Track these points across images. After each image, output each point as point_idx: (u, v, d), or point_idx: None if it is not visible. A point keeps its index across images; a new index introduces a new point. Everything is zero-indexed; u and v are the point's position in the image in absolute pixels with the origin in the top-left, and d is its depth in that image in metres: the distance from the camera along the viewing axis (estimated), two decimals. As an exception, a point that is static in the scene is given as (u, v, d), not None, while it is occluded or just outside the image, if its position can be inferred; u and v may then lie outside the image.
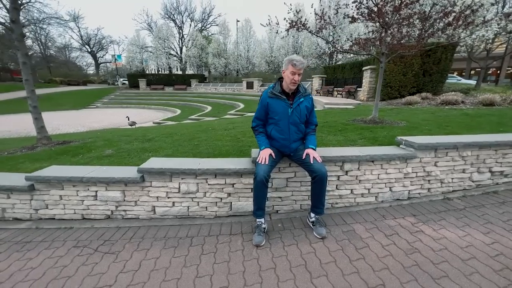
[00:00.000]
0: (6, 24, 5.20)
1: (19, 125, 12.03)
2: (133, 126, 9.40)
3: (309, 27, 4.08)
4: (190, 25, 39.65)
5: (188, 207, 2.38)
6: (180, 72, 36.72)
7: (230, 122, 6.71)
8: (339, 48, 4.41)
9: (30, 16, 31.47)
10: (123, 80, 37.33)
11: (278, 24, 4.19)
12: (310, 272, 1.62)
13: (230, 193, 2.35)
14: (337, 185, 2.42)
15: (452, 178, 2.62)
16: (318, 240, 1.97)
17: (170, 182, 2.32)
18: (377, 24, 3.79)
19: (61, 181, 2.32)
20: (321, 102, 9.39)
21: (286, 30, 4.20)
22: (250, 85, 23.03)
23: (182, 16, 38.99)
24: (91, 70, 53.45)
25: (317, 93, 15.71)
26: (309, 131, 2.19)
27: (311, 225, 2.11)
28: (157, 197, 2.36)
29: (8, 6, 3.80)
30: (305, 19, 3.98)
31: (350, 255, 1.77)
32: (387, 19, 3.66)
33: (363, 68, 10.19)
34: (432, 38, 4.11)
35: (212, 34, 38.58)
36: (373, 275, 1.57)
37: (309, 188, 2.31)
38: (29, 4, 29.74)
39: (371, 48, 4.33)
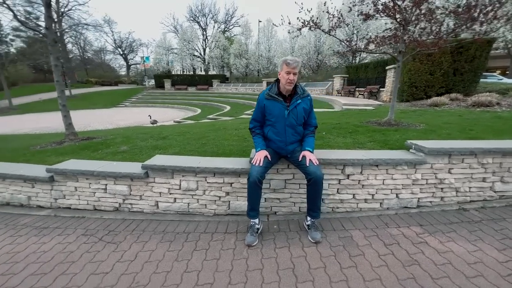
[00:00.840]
0: (40, 30, 5.74)
1: (57, 121, 13.24)
2: (154, 125, 9.88)
3: (321, 25, 3.97)
4: (214, 26, 40.71)
5: (188, 203, 2.46)
6: (203, 73, 37.81)
7: (243, 122, 6.77)
8: (354, 47, 4.22)
9: (71, 22, 34.64)
10: (149, 80, 39.39)
11: (290, 23, 4.14)
12: (297, 276, 1.60)
13: (228, 192, 2.38)
14: (338, 189, 2.34)
15: (470, 187, 2.39)
16: (312, 244, 1.92)
17: (171, 179, 2.41)
18: (395, 20, 3.56)
19: (76, 173, 2.53)
20: (340, 102, 9.10)
21: (298, 30, 4.14)
22: (270, 85, 23.00)
23: (206, 18, 40.15)
24: (122, 71, 57.16)
25: (338, 93, 15.24)
26: (307, 132, 2.15)
27: (307, 229, 2.07)
28: (160, 192, 2.47)
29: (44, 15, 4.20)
30: (317, 18, 3.88)
31: (342, 262, 1.71)
32: (405, 15, 3.43)
33: (387, 67, 9.67)
34: (464, 34, 3.76)
35: (234, 35, 39.19)
36: (363, 285, 1.50)
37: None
38: (70, 11, 32.71)
39: (389, 46, 4.08)
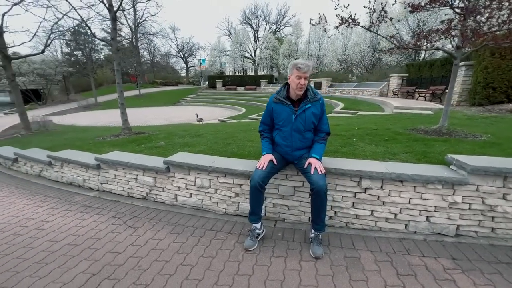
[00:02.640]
0: (107, 40, 6.80)
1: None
2: (200, 123, 10.66)
3: (359, 22, 3.59)
4: (265, 28, 41.36)
5: (202, 200, 2.60)
6: (252, 74, 38.90)
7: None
8: (397, 43, 3.68)
9: (144, 31, 40.29)
10: (204, 81, 42.58)
11: (326, 22, 3.89)
12: (284, 289, 1.52)
13: (237, 193, 2.42)
14: (353, 203, 2.12)
15: (537, 221, 1.85)
16: (311, 259, 1.80)
17: (188, 175, 2.59)
18: (452, 10, 2.96)
19: (115, 163, 2.95)
20: (391, 105, 8.12)
21: (335, 28, 3.86)
22: (318, 86, 22.11)
23: (258, 20, 41.07)
24: (183, 73, 63.35)
25: (394, 94, 13.62)
26: (317, 139, 2.01)
27: (310, 241, 1.95)
28: (179, 187, 2.68)
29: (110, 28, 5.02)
30: (355, 14, 3.53)
31: (338, 285, 1.55)
32: (467, 3, 2.81)
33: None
34: None
35: (284, 36, 39.03)
36: (353, 314, 1.34)
37: (320, 201, 2.13)
38: (144, 21, 37.99)
39: (443, 40, 3.42)
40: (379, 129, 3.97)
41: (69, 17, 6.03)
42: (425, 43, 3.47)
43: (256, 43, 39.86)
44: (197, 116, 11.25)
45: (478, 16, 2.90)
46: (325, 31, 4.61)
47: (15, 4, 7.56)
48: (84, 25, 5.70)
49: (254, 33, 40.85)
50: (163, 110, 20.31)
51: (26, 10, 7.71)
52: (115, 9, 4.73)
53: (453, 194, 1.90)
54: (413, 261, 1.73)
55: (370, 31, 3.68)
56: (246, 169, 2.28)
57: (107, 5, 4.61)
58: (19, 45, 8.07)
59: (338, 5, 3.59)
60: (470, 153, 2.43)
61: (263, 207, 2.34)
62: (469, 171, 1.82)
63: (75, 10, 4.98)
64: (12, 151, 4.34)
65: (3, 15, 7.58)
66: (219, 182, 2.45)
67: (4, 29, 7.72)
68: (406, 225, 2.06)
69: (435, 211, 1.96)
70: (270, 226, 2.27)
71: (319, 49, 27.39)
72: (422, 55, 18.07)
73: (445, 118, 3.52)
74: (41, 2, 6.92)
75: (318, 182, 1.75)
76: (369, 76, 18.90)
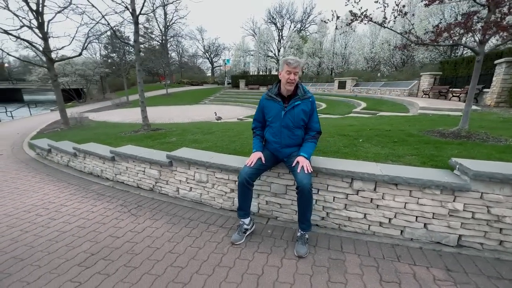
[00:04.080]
0: (129, 43, 7.27)
1: (150, 114, 16.52)
2: (219, 121, 10.93)
3: (371, 17, 3.41)
4: (290, 26, 40.91)
5: (200, 194, 2.71)
6: (276, 73, 38.77)
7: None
8: (414, 39, 3.40)
9: (173, 33, 42.37)
10: (228, 80, 43.44)
11: (338, 18, 3.76)
12: (259, 284, 1.55)
13: (232, 189, 2.48)
14: (346, 205, 2.06)
15: (555, 236, 1.64)
16: (294, 257, 1.79)
17: (188, 170, 2.71)
18: (475, 2, 2.66)
19: (126, 156, 3.19)
20: (417, 105, 7.58)
21: (347, 25, 3.72)
22: (342, 85, 21.35)
23: (283, 19, 40.75)
24: (209, 73, 65.31)
25: (425, 94, 12.64)
26: (308, 137, 1.99)
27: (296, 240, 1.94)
28: (180, 180, 2.82)
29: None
30: (366, 10, 3.35)
31: (316, 285, 1.53)
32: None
33: (496, 62, 7.34)
34: None
35: (309, 34, 38.24)
36: (322, 315, 1.32)
37: (313, 199, 2.11)
38: (174, 24, 39.88)
39: (461, 34, 3.09)
40: (392, 130, 3.75)
41: (101, 23, 6.58)
42: (446, 39, 3.17)
43: (280, 42, 39.64)
44: (215, 115, 11.55)
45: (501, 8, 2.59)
46: (336, 28, 4.44)
47: (58, 12, 8.45)
48: (112, 30, 6.19)
49: (279, 32, 40.67)
50: (187, 108, 21.14)
51: (66, 17, 8.58)
52: (137, 13, 5.08)
53: (453, 201, 1.76)
54: (401, 269, 1.64)
55: (384, 27, 3.48)
56: (240, 165, 2.33)
57: (130, 10, 4.99)
58: (60, 49, 8.90)
59: (348, 0, 3.45)
60: (485, 158, 2.22)
61: (255, 204, 2.40)
62: (471, 176, 1.67)
63: (104, 17, 5.47)
64: (47, 142, 4.89)
65: (48, 22, 8.51)
66: (216, 177, 2.54)
67: (49, 35, 8.66)
68: (401, 231, 1.95)
69: (433, 218, 1.83)
70: (262, 223, 2.29)
71: (345, 47, 26.37)
72: (460, 51, 16.48)
73: (465, 119, 3.21)
74: (77, 11, 7.63)
75: (302, 181, 1.74)
76: (397, 75, 17.76)
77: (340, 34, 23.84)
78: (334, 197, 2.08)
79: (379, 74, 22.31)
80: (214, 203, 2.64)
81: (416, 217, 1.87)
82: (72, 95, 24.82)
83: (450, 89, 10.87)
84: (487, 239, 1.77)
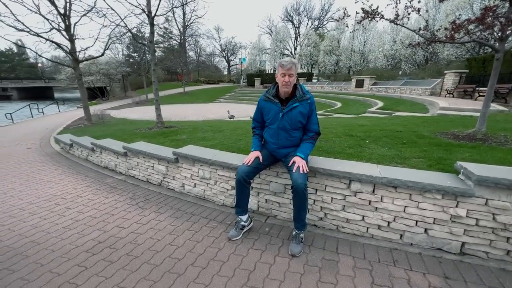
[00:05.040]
0: (145, 43, 7.54)
1: (168, 112, 17.05)
2: (232, 119, 11.07)
3: (383, 14, 3.28)
4: (307, 24, 40.25)
5: (204, 190, 2.80)
6: (291, 71, 38.37)
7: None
8: (428, 36, 3.22)
9: (191, 32, 43.35)
10: (244, 79, 43.66)
11: (349, 16, 3.67)
12: (249, 279, 1.59)
13: (234, 186, 2.53)
14: (344, 206, 2.04)
15: None
16: (287, 256, 1.81)
17: (193, 167, 2.81)
18: None
19: (137, 152, 3.36)
20: (438, 105, 7.19)
21: (358, 22, 3.61)
22: (360, 84, 20.70)
23: (300, 16, 40.17)
24: (225, 72, 66.06)
25: (448, 93, 11.94)
26: (306, 138, 1.99)
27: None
28: (185, 176, 2.92)
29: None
30: (378, 7, 3.23)
31: (306, 284, 1.55)
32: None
33: (529, 58, 6.76)
34: None
35: (326, 32, 37.39)
36: (307, 313, 1.34)
37: (310, 199, 2.13)
38: (192, 23, 40.80)
39: (480, 30, 2.87)
40: (403, 131, 3.61)
41: (121, 26, 6.94)
42: (462, 35, 2.98)
43: (296, 40, 39.15)
44: (228, 113, 11.71)
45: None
46: (347, 26, 4.33)
47: (83, 15, 8.98)
48: (130, 32, 6.51)
49: (295, 30, 40.17)
50: (202, 106, 21.58)
51: (91, 19, 9.09)
52: (152, 15, 5.29)
53: (456, 207, 1.69)
54: (396, 273, 1.61)
55: (396, 23, 3.33)
56: (241, 163, 2.37)
57: (146, 11, 5.20)
58: (85, 49, 9.43)
59: (359, -3, 3.36)
60: (498, 163, 2.08)
61: (255, 201, 2.44)
62: (474, 181, 1.59)
63: (123, 20, 5.77)
64: (69, 138, 5.26)
65: (74, 24, 9.07)
66: (218, 174, 2.61)
67: (75, 37, 9.24)
68: (401, 235, 1.90)
69: (434, 223, 1.77)
70: (261, 220, 2.33)
71: (364, 44, 25.49)
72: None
73: (482, 121, 3.00)
74: (99, 14, 8.06)
75: (296, 180, 1.76)
76: (419, 73, 16.89)
77: (356, 30, 23.03)
78: (332, 198, 2.06)
79: (400, 72, 21.35)
80: (217, 199, 2.72)
81: (416, 221, 1.82)
82: (97, 93, 26.25)
83: (477, 88, 10.17)
84: (493, 248, 1.68)
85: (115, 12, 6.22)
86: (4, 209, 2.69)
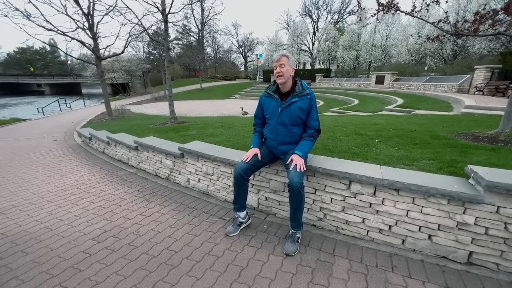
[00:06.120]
0: (159, 40, 7.71)
1: (185, 107, 17.45)
2: (245, 116, 11.10)
3: (399, 6, 3.07)
4: (326, 18, 39.03)
5: (207, 185, 2.85)
6: (309, 67, 37.60)
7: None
8: (453, 28, 2.96)
9: (209, 29, 43.84)
10: (261, 75, 43.47)
11: (363, 9, 3.49)
12: (241, 275, 1.61)
13: (235, 183, 2.55)
14: (344, 208, 1.98)
15: None
16: (281, 255, 1.80)
17: (197, 162, 2.86)
18: None
19: (146, 147, 3.49)
20: (463, 103, 6.70)
21: (372, 16, 3.43)
22: (380, 80, 19.79)
23: (319, 10, 39.01)
24: (242, 68, 66.16)
25: (478, 90, 11.06)
26: (305, 135, 1.95)
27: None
28: (190, 171, 2.99)
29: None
30: None
31: (296, 284, 1.53)
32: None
33: None
34: None
35: (347, 26, 36.02)
36: (294, 313, 1.33)
37: (310, 199, 2.10)
38: (210, 20, 41.24)
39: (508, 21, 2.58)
40: (418, 131, 3.41)
41: (138, 25, 7.18)
42: (488, 27, 2.71)
43: (314, 35, 38.16)
44: (242, 110, 11.74)
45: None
46: (360, 20, 4.13)
47: (105, 14, 9.39)
48: (146, 32, 6.74)
49: (314, 25, 39.10)
50: (217, 102, 21.85)
51: (112, 18, 9.48)
52: (166, 12, 5.41)
53: (463, 213, 1.57)
54: (393, 280, 1.55)
55: (413, 16, 3.12)
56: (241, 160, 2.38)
57: (160, 9, 5.33)
58: (106, 47, 9.87)
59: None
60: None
61: (256, 199, 2.45)
62: (484, 187, 1.47)
63: (140, 21, 5.97)
64: (88, 131, 5.57)
65: (97, 23, 9.52)
66: (220, 170, 2.64)
67: (98, 35, 9.70)
68: (403, 240, 1.81)
69: (439, 229, 1.66)
70: (260, 218, 2.33)
71: (386, 39, 24.25)
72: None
73: (507, 121, 2.74)
74: (118, 14, 8.38)
75: (292, 179, 1.73)
76: (446, 69, 15.79)
77: (379, 22, 21.90)
78: (331, 198, 2.01)
79: (426, 68, 20.11)
80: (219, 195, 2.75)
81: (420, 227, 1.72)
82: (119, 89, 27.49)
83: (511, 85, 9.33)
84: (505, 259, 1.55)
85: (132, 11, 6.43)
86: (26, 196, 2.93)
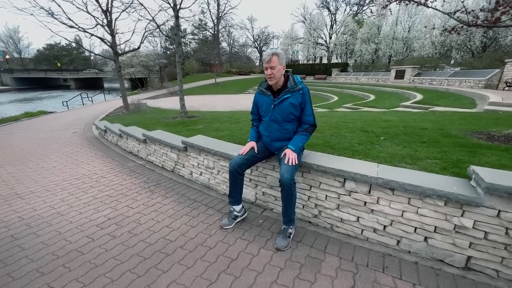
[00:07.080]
0: (170, 36, 7.82)
1: (196, 102, 17.73)
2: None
3: None
4: (345, 10, 37.59)
5: (208, 179, 2.91)
6: (326, 62, 36.64)
7: (325, 115, 6.30)
8: (473, 18, 2.72)
9: (225, 24, 43.85)
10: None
11: (372, 2, 3.32)
12: (229, 267, 1.65)
13: (234, 177, 2.59)
14: (338, 205, 1.95)
15: None
16: (272, 249, 1.82)
17: (199, 156, 2.93)
18: None
19: (154, 140, 3.61)
20: (488, 99, 6.26)
21: (383, 7, 3.26)
22: (400, 75, 18.89)
23: (337, 2, 37.63)
24: (258, 62, 65.73)
25: (508, 86, 10.25)
26: (300, 130, 1.93)
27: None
28: (193, 165, 3.07)
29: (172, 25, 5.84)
30: None
31: (282, 278, 1.55)
32: None
33: None
34: None
35: (366, 18, 34.48)
36: (276, 306, 1.35)
37: (305, 195, 2.09)
38: (226, 15, 41.24)
39: None
40: (429, 128, 3.25)
41: (153, 22, 7.36)
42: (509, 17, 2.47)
43: (332, 28, 36.96)
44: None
45: None
46: (371, 11, 3.93)
47: (123, 11, 9.69)
48: (159, 28, 6.89)
49: (331, 17, 37.85)
50: (231, 97, 21.97)
51: (129, 14, 9.77)
52: (177, 8, 5.48)
53: (461, 216, 1.50)
54: (382, 280, 1.52)
55: (428, 6, 2.92)
56: (239, 155, 2.41)
57: (172, 5, 5.42)
58: (123, 43, 10.20)
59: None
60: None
61: (253, 193, 2.48)
62: (484, 189, 1.39)
63: (153, 18, 6.12)
64: (104, 124, 5.85)
65: (115, 20, 9.86)
66: (220, 164, 2.69)
67: (116, 31, 10.05)
68: (398, 241, 1.76)
69: (435, 232, 1.60)
70: (257, 212, 2.36)
71: (408, 31, 22.94)
72: None
73: (527, 120, 2.53)
74: (133, 10, 8.62)
75: (283, 175, 1.73)
76: (474, 62, 14.72)
77: (401, 12, 20.66)
78: (326, 195, 1.99)
79: (452, 61, 18.86)
80: (219, 188, 2.81)
81: (415, 228, 1.66)
82: (137, 84, 28.44)
83: (546, 80, 8.53)
84: (505, 266, 1.46)
85: (144, 8, 6.59)
86: (44, 184, 3.16)
